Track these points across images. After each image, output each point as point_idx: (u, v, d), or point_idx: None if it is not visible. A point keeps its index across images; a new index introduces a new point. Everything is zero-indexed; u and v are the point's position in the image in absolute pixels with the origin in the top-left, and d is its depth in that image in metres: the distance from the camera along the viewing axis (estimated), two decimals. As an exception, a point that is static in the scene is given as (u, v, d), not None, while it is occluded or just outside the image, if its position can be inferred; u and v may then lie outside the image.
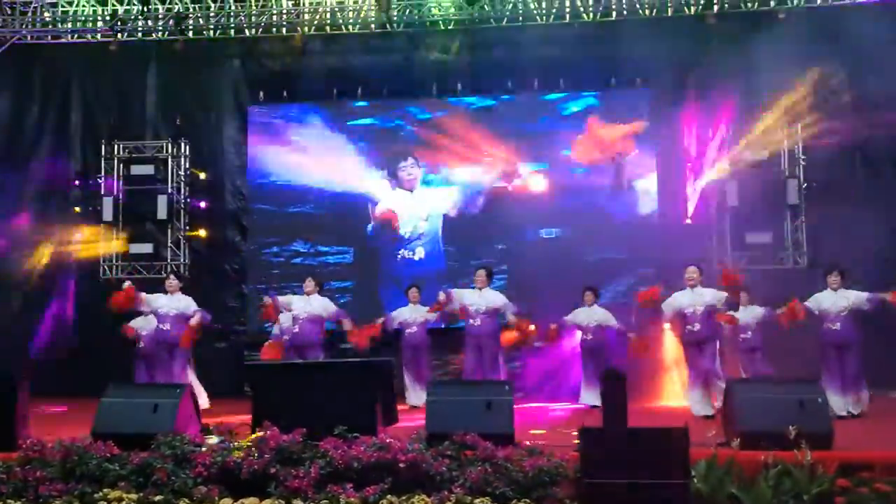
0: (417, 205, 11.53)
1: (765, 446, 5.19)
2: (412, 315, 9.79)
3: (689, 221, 10.92)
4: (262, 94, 11.94)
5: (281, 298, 9.43)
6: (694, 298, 8.42)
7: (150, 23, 11.60)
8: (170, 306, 9.41)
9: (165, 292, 9.57)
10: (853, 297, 8.25)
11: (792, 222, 10.85)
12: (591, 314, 9.57)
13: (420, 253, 11.48)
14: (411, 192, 11.57)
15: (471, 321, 9.16)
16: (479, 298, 9.21)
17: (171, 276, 9.97)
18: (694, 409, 8.30)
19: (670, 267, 9.27)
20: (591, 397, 9.34)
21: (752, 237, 10.75)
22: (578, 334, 9.70)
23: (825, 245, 10.25)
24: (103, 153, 11.86)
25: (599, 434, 5.05)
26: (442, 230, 11.48)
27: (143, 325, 9.90)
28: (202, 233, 11.77)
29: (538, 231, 11.23)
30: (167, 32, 11.61)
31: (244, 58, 12.04)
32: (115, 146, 11.89)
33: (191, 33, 11.60)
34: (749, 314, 9.03)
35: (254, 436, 5.52)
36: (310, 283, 9.40)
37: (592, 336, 9.51)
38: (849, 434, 5.75)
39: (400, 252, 11.49)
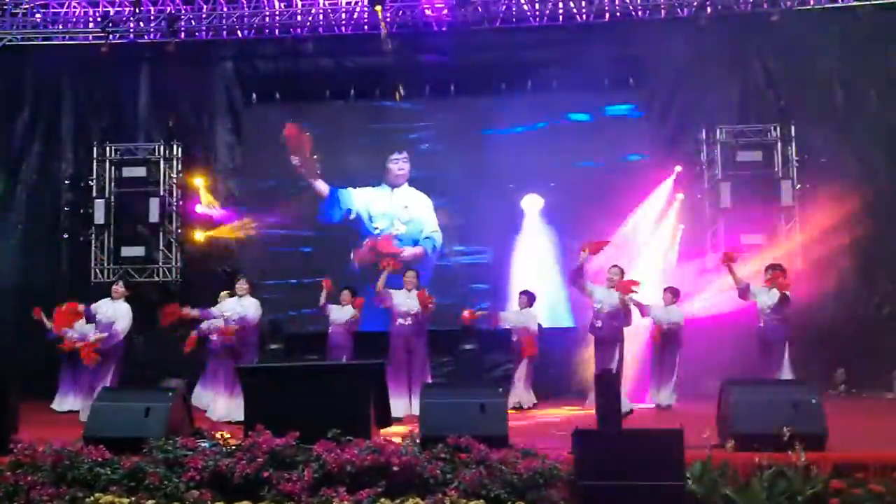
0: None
1: (759, 448, 5.19)
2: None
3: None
4: (254, 95, 11.91)
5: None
6: (604, 295, 8.35)
7: (141, 24, 11.57)
8: (104, 313, 8.97)
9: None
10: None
11: (786, 223, 10.84)
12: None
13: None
14: (392, 189, 11.53)
15: (399, 321, 9.11)
16: (407, 300, 9.15)
17: (119, 283, 9.42)
18: (589, 403, 8.07)
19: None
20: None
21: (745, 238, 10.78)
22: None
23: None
24: (95, 155, 11.84)
25: (594, 436, 5.03)
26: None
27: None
28: (195, 236, 11.71)
29: None
30: (159, 34, 11.57)
31: (237, 59, 12.01)
32: (107, 148, 11.85)
33: (183, 35, 11.55)
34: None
35: (246, 439, 5.49)
36: (243, 284, 9.01)
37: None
38: (842, 435, 5.74)
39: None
